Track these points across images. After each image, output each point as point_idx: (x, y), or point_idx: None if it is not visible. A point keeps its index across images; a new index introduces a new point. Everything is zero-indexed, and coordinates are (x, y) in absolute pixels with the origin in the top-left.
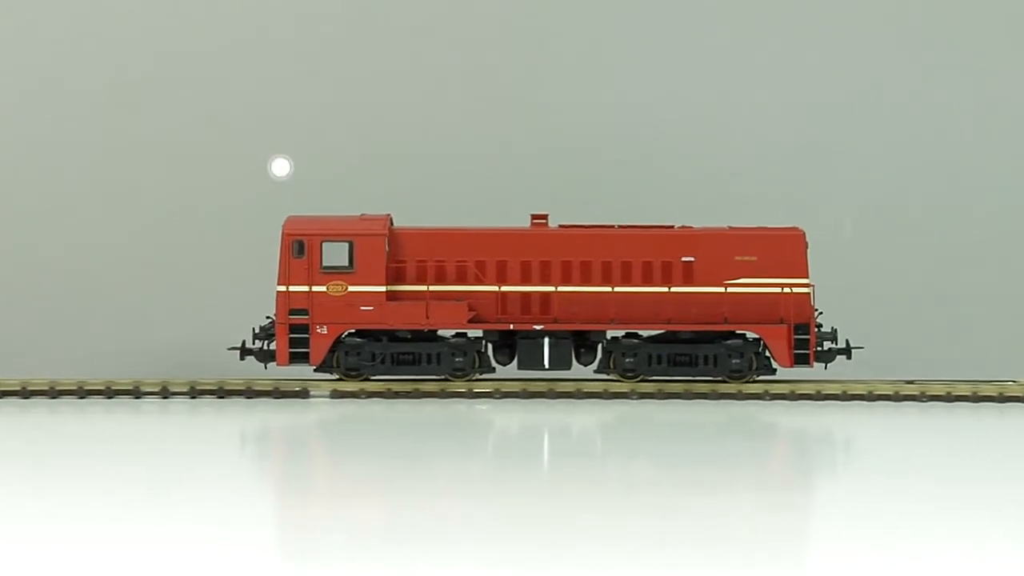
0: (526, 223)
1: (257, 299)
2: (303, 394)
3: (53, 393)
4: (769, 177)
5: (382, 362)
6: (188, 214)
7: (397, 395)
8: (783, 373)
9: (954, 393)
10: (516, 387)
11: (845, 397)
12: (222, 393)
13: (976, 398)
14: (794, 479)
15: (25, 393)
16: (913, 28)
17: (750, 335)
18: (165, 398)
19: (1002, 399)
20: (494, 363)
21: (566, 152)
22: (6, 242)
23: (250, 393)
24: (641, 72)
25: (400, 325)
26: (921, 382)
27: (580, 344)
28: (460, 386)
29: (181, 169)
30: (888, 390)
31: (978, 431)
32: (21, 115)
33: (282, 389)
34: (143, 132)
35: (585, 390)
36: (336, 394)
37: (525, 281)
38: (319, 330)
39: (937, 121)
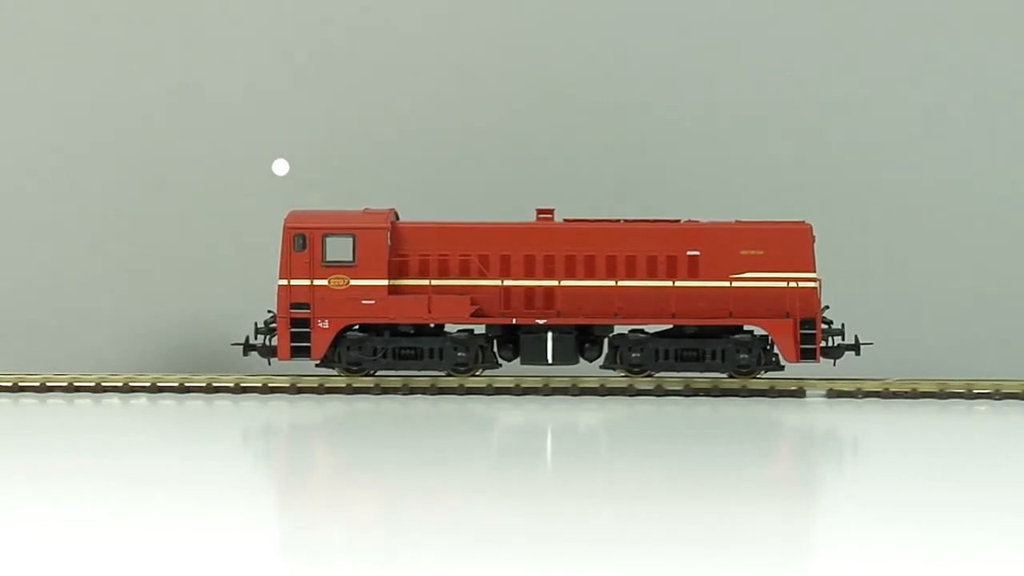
0: (532, 217)
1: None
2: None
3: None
4: (780, 171)
5: (384, 357)
6: (191, 209)
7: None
8: (791, 370)
9: (974, 390)
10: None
11: (861, 395)
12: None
13: (1000, 395)
14: (801, 479)
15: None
16: (927, 21)
17: (757, 330)
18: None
19: None
20: (499, 359)
21: (572, 147)
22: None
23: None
24: (646, 67)
25: (402, 319)
26: (938, 380)
27: (584, 339)
28: (453, 382)
29: (182, 164)
30: (904, 387)
31: (999, 429)
32: (16, 115)
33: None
34: (144, 128)
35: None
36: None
37: (529, 275)
38: (320, 324)
39: (949, 116)
